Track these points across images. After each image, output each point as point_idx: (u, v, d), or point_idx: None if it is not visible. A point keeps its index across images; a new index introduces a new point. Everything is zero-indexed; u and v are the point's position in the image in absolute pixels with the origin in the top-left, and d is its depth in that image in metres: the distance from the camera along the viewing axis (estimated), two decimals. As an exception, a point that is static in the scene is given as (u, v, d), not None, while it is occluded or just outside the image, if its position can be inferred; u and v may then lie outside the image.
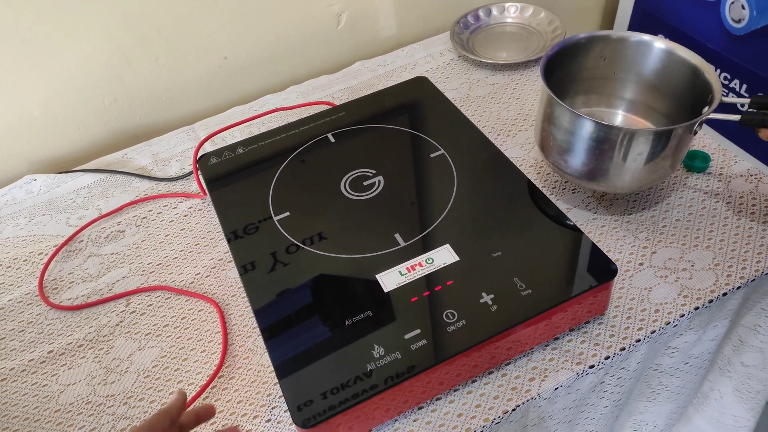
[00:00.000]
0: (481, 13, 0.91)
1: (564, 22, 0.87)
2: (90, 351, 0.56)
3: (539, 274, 0.49)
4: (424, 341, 0.45)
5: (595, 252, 0.50)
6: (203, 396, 0.51)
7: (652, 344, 0.52)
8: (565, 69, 0.60)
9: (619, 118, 0.65)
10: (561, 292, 0.47)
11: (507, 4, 0.91)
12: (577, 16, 1.13)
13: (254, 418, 0.49)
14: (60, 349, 0.56)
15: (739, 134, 0.92)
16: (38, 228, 0.69)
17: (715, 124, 0.93)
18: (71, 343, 0.56)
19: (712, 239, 0.58)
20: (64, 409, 0.51)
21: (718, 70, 0.94)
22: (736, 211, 0.60)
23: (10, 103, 0.73)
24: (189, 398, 0.50)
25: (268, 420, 0.49)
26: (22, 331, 0.58)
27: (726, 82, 0.94)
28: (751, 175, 0.63)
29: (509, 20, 0.91)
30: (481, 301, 0.47)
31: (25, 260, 0.65)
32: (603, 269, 0.49)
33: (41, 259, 0.65)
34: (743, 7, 0.86)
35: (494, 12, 0.91)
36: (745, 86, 0.91)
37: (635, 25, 1.08)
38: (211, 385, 0.51)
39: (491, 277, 0.49)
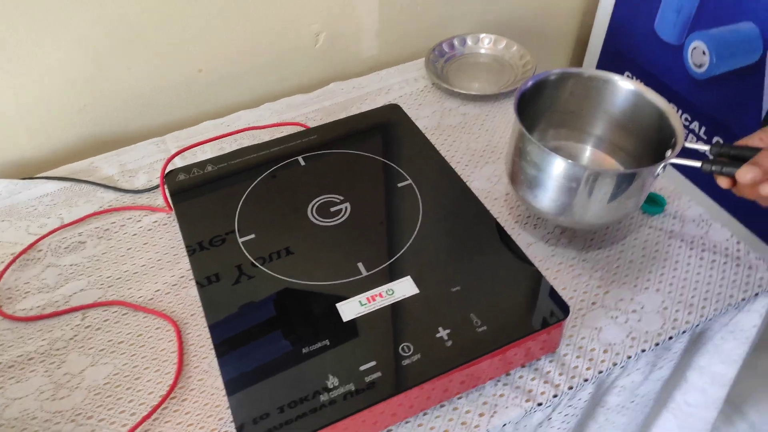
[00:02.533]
0: (456, 42, 0.93)
1: (534, 56, 0.89)
2: (41, 365, 0.55)
3: (495, 311, 0.50)
4: (379, 373, 0.46)
5: (551, 292, 0.52)
6: (153, 417, 0.50)
7: (600, 383, 0.54)
8: (536, 102, 0.62)
9: (587, 153, 0.67)
10: (515, 329, 0.49)
11: (481, 35, 0.93)
12: (548, 50, 1.16)
13: (205, 442, 0.49)
14: (9, 361, 0.55)
15: (698, 175, 0.95)
16: (-4, 234, 0.67)
17: (677, 166, 0.97)
18: (21, 355, 0.55)
19: (662, 282, 0.60)
20: (8, 425, 0.50)
21: (680, 111, 0.98)
22: (686, 255, 0.62)
23: (-26, 104, 0.72)
24: (139, 419, 0.50)
25: (220, 445, 0.49)
26: (-29, 341, 0.57)
27: (687, 123, 0.98)
28: (703, 221, 0.66)
29: (483, 51, 0.93)
30: (437, 335, 0.48)
31: (-20, 267, 0.63)
32: (557, 309, 0.50)
33: (-4, 267, 0.63)
34: (704, 53, 0.90)
35: (469, 42, 0.93)
36: (704, 128, 0.95)
37: (604, 62, 1.12)
38: (162, 406, 0.51)
39: (449, 311, 0.50)
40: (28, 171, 0.78)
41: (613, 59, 1.10)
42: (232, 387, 0.45)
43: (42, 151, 0.79)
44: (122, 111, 0.81)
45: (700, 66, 0.92)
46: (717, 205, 0.95)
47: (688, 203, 0.68)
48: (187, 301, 0.59)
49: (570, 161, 0.52)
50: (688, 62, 0.93)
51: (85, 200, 0.71)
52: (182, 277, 0.61)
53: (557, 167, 0.54)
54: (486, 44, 0.93)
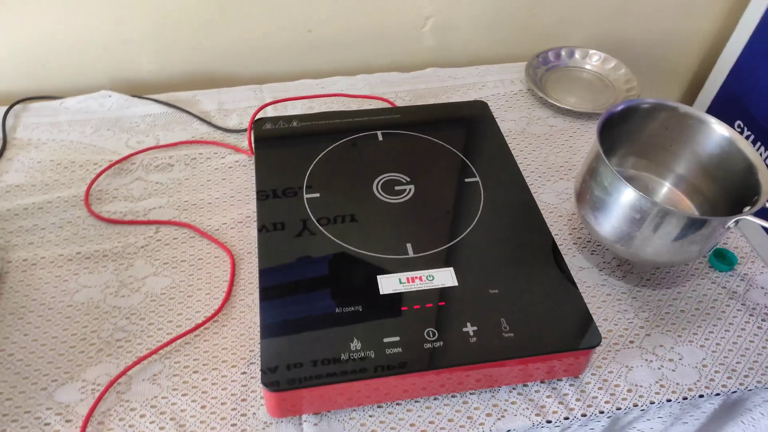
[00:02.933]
0: (563, 52, 0.92)
1: (642, 84, 0.86)
2: (112, 263, 0.61)
3: (526, 322, 0.51)
4: (399, 349, 0.48)
5: (587, 318, 0.52)
6: (195, 333, 0.55)
7: (615, 419, 0.54)
8: (624, 127, 0.61)
9: (664, 189, 0.66)
10: (540, 345, 0.49)
11: (591, 51, 0.91)
12: (662, 82, 1.12)
13: (232, 366, 0.53)
14: (87, 253, 0.62)
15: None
16: (100, 140, 0.75)
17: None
18: (98, 251, 0.62)
19: (709, 340, 0.58)
20: (75, 307, 0.57)
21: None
22: (742, 320, 0.60)
23: (110, 24, 0.79)
24: (181, 332, 0.55)
25: (244, 372, 0.53)
26: (60, 227, 0.64)
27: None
28: (772, 290, 0.63)
29: (588, 67, 0.91)
30: (464, 330, 0.50)
31: (81, 166, 0.71)
32: (588, 337, 0.50)
33: (95, 169, 0.71)
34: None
35: (577, 55, 0.92)
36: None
37: (717, 105, 1.06)
38: (204, 326, 0.56)
39: (481, 310, 0.51)
40: (139, 90, 0.85)
41: (727, 105, 1.04)
42: (266, 331, 0.49)
43: (155, 75, 0.86)
44: (230, 55, 0.87)
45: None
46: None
47: (762, 269, 0.65)
48: (247, 239, 0.64)
49: (640, 193, 0.51)
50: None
51: (181, 128, 0.77)
52: (248, 217, 0.66)
53: (626, 196, 0.53)
54: (594, 61, 0.91)
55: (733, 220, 0.51)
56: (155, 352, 0.53)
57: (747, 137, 0.99)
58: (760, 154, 0.97)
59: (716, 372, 0.56)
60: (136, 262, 0.61)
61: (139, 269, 0.61)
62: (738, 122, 1.01)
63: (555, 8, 0.95)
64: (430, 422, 0.51)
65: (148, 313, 0.57)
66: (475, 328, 0.50)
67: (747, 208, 0.52)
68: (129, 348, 0.54)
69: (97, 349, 0.54)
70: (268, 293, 0.52)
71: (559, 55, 0.92)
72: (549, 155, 0.77)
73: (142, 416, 0.50)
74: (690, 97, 1.14)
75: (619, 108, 0.58)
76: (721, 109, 1.05)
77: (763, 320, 0.60)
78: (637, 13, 0.99)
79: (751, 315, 0.60)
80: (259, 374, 0.53)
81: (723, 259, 0.65)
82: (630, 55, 1.02)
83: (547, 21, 0.96)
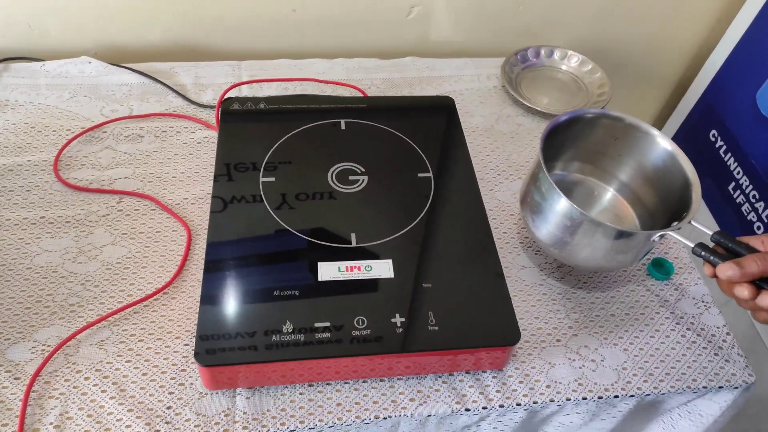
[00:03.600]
0: (542, 51, 0.93)
1: (620, 89, 0.88)
2: (74, 229, 0.64)
3: (452, 317, 0.54)
4: (328, 335, 0.51)
5: (510, 316, 0.55)
6: (144, 303, 0.58)
7: (533, 412, 0.57)
8: (570, 134, 0.63)
9: (609, 195, 0.68)
10: (461, 339, 0.52)
11: (570, 52, 0.92)
12: (642, 88, 1.12)
13: (176, 338, 0.57)
14: (51, 218, 0.64)
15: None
16: (76, 106, 0.77)
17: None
18: (61, 217, 0.65)
19: (633, 345, 0.61)
20: (34, 270, 0.60)
21: (750, 186, 0.94)
22: (668, 328, 0.63)
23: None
24: (133, 300, 0.58)
25: (186, 344, 0.56)
26: (28, 190, 0.67)
27: (754, 201, 0.94)
28: (703, 302, 0.65)
29: (564, 68, 0.92)
30: (392, 320, 0.53)
31: (54, 131, 0.73)
32: (509, 334, 0.53)
33: (67, 135, 0.73)
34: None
35: (555, 56, 0.93)
36: (767, 211, 0.91)
37: (695, 115, 1.07)
38: (154, 297, 0.59)
39: (411, 303, 0.54)
40: (122, 57, 0.86)
41: (704, 115, 1.05)
42: (205, 301, 0.52)
43: (138, 42, 0.87)
44: (212, 29, 0.88)
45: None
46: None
47: (697, 279, 0.67)
48: (206, 216, 0.66)
49: (571, 203, 0.54)
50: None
51: (156, 99, 0.79)
52: (209, 194, 0.68)
53: (559, 204, 0.55)
54: (572, 62, 0.92)
55: (658, 234, 0.54)
56: (105, 318, 0.56)
57: (719, 147, 1.01)
58: (730, 165, 0.99)
59: (634, 375, 0.59)
60: (96, 231, 0.64)
61: (99, 237, 0.63)
62: (713, 132, 1.03)
63: (540, 7, 0.95)
64: (356, 403, 0.54)
65: (102, 281, 0.60)
66: (403, 319, 0.53)
67: (675, 223, 0.55)
68: (81, 313, 0.57)
69: (51, 311, 0.57)
70: (212, 266, 0.55)
71: (538, 54, 0.93)
72: (512, 154, 0.79)
73: (86, 378, 0.53)
74: (671, 105, 1.15)
75: (562, 119, 0.60)
76: (698, 118, 1.07)
77: (687, 329, 0.63)
78: (622, 19, 1.00)
79: (677, 324, 0.63)
80: (201, 346, 0.56)
81: (660, 268, 0.67)
82: (612, 60, 1.03)
83: (531, 19, 0.97)
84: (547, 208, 0.57)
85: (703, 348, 0.62)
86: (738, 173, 0.97)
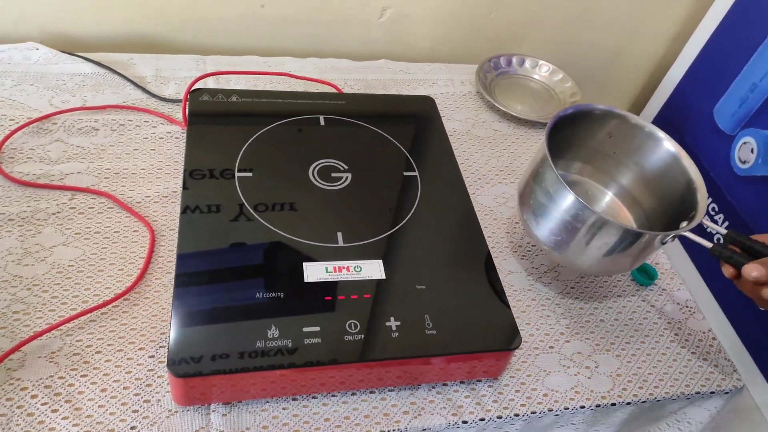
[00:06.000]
0: (514, 60, 0.93)
1: (586, 99, 0.88)
2: (18, 228, 0.56)
3: (450, 320, 0.50)
4: (318, 340, 0.46)
5: (509, 320, 0.52)
6: (101, 310, 0.52)
7: (531, 423, 0.54)
8: (571, 131, 0.61)
9: (606, 198, 0.66)
10: (462, 344, 0.49)
11: (541, 62, 0.92)
12: (605, 100, 1.15)
13: (140, 349, 0.50)
14: (-10, 215, 0.57)
15: (702, 259, 0.94)
16: (21, 95, 0.69)
17: (684, 240, 0.96)
18: (4, 214, 0.57)
19: (625, 350, 0.59)
20: (-30, 273, 0.52)
21: (710, 200, 0.96)
22: (658, 333, 0.62)
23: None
24: (89, 307, 0.51)
25: (152, 356, 0.50)
26: (-37, 185, 0.59)
27: (713, 213, 0.96)
28: (688, 307, 0.65)
29: (536, 77, 0.92)
30: (387, 324, 0.48)
31: (-5, 120, 0.65)
32: (508, 339, 0.50)
33: (10, 125, 0.65)
34: (752, 151, 0.88)
35: (527, 64, 0.93)
36: (727, 223, 0.93)
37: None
38: (113, 304, 0.52)
39: (406, 305, 0.50)
40: (71, 47, 0.79)
41: (663, 129, 1.07)
42: (179, 304, 0.46)
43: (91, 32, 0.80)
44: (176, 21, 0.82)
45: (744, 162, 0.90)
46: (711, 294, 0.93)
47: (680, 285, 0.67)
48: (171, 215, 0.60)
49: (581, 200, 0.51)
50: (734, 154, 0.91)
51: (112, 91, 0.72)
52: (174, 191, 0.62)
53: (568, 202, 0.53)
54: (543, 71, 0.92)
55: (671, 234, 0.52)
56: (55, 327, 0.49)
57: (679, 160, 1.04)
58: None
59: (629, 382, 0.57)
60: (45, 230, 0.57)
61: (48, 237, 0.56)
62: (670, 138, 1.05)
63: (512, 15, 0.95)
64: (346, 417, 0.49)
65: (52, 286, 0.53)
66: (398, 323, 0.49)
67: (684, 223, 0.54)
68: (27, 321, 0.50)
69: (-10, 319, 0.49)
70: (184, 280, 0.49)
71: (510, 62, 0.93)
72: (491, 158, 0.77)
73: (33, 397, 0.46)
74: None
75: (570, 111, 0.58)
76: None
77: (675, 334, 0.62)
78: (589, 31, 1.01)
79: (665, 329, 0.62)
80: (166, 359, 0.50)
81: (644, 274, 0.67)
82: (579, 70, 1.04)
83: (503, 27, 0.97)
84: (552, 207, 0.54)
85: (692, 353, 0.61)
86: (699, 185, 0.99)
